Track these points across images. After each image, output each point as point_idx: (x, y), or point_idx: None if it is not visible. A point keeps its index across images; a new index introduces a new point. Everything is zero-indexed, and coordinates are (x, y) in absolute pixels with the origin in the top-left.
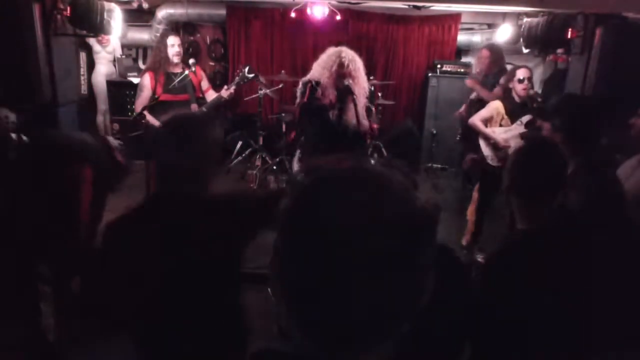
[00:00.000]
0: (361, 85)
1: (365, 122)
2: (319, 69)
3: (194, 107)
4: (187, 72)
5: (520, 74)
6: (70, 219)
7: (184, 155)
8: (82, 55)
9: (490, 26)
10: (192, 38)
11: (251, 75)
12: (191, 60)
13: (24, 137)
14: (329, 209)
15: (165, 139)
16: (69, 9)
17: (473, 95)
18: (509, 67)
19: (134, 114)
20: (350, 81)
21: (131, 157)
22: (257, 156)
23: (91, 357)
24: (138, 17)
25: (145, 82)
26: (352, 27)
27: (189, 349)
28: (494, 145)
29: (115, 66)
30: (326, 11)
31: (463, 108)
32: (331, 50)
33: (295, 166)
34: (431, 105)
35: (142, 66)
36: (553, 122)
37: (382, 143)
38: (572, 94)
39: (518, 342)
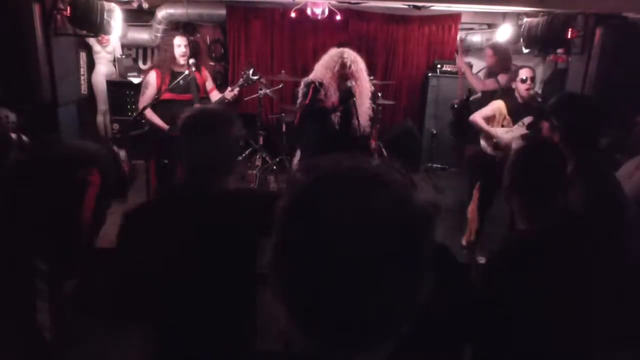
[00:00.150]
0: (364, 86)
1: (366, 125)
2: (322, 69)
3: (197, 107)
4: (188, 72)
5: (523, 73)
6: (72, 219)
7: (209, 149)
8: (82, 55)
9: (490, 26)
10: (192, 38)
11: (255, 77)
12: (191, 60)
13: (24, 137)
14: (327, 208)
15: (191, 133)
16: (69, 9)
17: (473, 97)
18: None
19: (134, 114)
20: (353, 82)
21: (133, 157)
22: (257, 156)
23: (89, 356)
24: (138, 17)
25: (151, 80)
26: (352, 27)
27: (202, 342)
28: (495, 145)
29: (115, 66)
30: (326, 11)
31: (457, 100)
32: (333, 51)
33: (295, 166)
34: (431, 105)
35: (142, 66)
36: (551, 122)
37: (382, 143)
38: (570, 93)
39: (518, 342)
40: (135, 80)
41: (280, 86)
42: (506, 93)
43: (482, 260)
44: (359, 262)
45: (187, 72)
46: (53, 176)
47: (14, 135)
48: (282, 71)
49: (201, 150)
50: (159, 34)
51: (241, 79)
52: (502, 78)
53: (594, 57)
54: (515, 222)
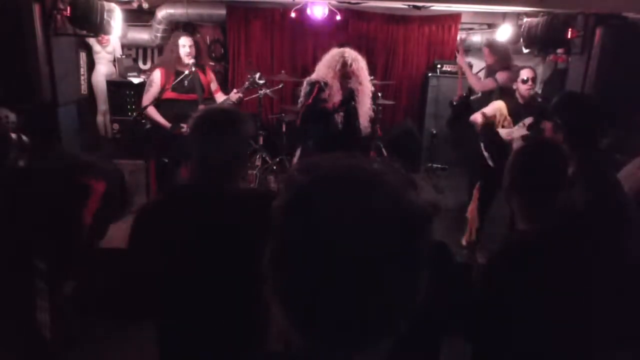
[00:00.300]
0: (365, 85)
1: (367, 125)
2: (324, 68)
3: (202, 108)
4: (187, 71)
5: (525, 74)
6: (73, 221)
7: (222, 148)
8: (82, 55)
9: (490, 26)
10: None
11: (262, 82)
12: (191, 61)
13: (24, 137)
14: (325, 208)
15: (204, 131)
16: (69, 9)
17: (474, 96)
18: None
19: (135, 113)
20: (354, 81)
21: (134, 156)
22: (257, 156)
23: (89, 356)
24: (138, 17)
25: (156, 79)
26: (352, 27)
27: (204, 342)
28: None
29: (115, 66)
30: (326, 11)
31: (457, 98)
32: (334, 51)
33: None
34: (431, 105)
35: (142, 66)
36: (555, 122)
37: (382, 143)
38: (573, 92)
39: (519, 342)
40: (135, 80)
41: (280, 86)
42: (507, 93)
43: (482, 260)
44: (357, 261)
45: (187, 71)
46: (59, 180)
47: (14, 135)
48: (282, 71)
49: (215, 149)
50: (159, 34)
51: (247, 82)
52: (501, 76)
53: (594, 57)
54: (516, 222)
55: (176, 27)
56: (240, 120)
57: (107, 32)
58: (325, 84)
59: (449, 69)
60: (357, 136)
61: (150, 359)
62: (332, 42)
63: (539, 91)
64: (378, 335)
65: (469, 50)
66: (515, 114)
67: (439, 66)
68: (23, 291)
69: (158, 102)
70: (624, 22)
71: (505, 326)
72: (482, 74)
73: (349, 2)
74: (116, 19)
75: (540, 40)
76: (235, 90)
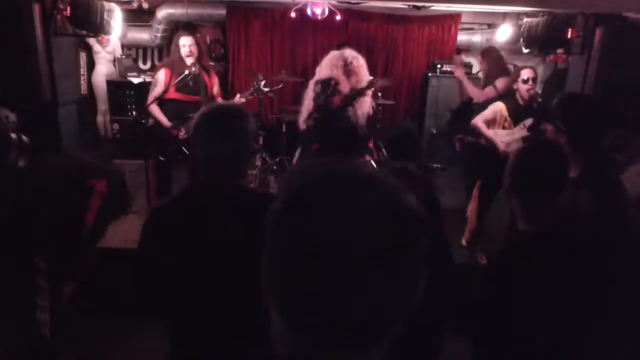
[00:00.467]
0: (364, 83)
1: (364, 124)
2: (326, 69)
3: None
4: (187, 71)
5: (525, 74)
6: (75, 221)
7: (228, 144)
8: (82, 55)
9: (490, 26)
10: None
11: (266, 90)
12: (191, 61)
13: (24, 137)
14: (318, 211)
15: (210, 128)
16: (69, 9)
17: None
18: (510, 67)
19: (134, 113)
20: (355, 81)
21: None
22: (257, 156)
23: (90, 356)
24: (138, 17)
25: (160, 78)
26: (352, 27)
27: (214, 339)
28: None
29: (115, 66)
30: (326, 11)
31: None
32: (334, 52)
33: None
34: (431, 105)
35: (142, 66)
36: (556, 124)
37: (382, 143)
38: (572, 94)
39: (520, 342)
40: (135, 80)
41: (280, 86)
42: (506, 94)
43: (482, 260)
44: (352, 264)
45: (187, 71)
46: (61, 181)
47: (14, 135)
48: (282, 71)
49: (222, 146)
50: (159, 34)
51: (252, 88)
52: (500, 83)
53: (594, 57)
54: (517, 223)
55: (176, 27)
56: (244, 116)
57: (107, 32)
58: (337, 81)
59: (449, 69)
60: (356, 135)
61: (152, 358)
62: (332, 42)
63: (539, 91)
64: (374, 337)
65: (469, 50)
66: (516, 115)
67: (439, 66)
68: (23, 290)
69: (161, 102)
70: (624, 22)
71: (505, 326)
72: (481, 75)
73: (349, 2)
74: (116, 19)
75: (540, 40)
76: (238, 95)
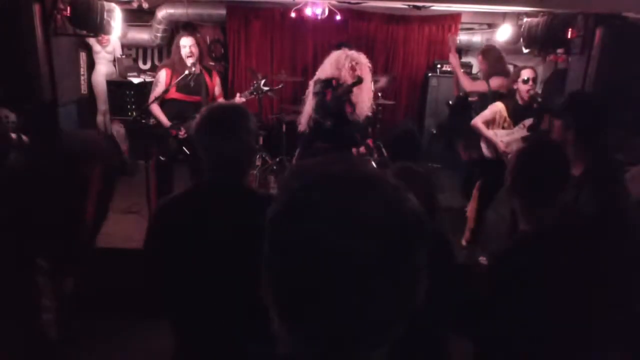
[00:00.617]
0: (366, 81)
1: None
2: (331, 69)
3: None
4: (187, 71)
5: (525, 74)
6: (75, 217)
7: (232, 143)
8: (82, 55)
9: (490, 26)
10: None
11: (266, 89)
12: (192, 61)
13: (24, 137)
14: (318, 212)
15: (214, 128)
16: (69, 9)
17: (472, 98)
18: (510, 67)
19: (134, 114)
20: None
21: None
22: (257, 156)
23: (91, 356)
24: (138, 17)
25: (161, 79)
26: (352, 27)
27: (223, 336)
28: (495, 147)
29: (115, 66)
30: (326, 11)
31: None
32: (336, 52)
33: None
34: (431, 105)
35: (142, 66)
36: (565, 120)
37: (382, 143)
38: (583, 92)
39: (520, 342)
40: (135, 80)
41: (280, 86)
42: (506, 95)
43: (482, 260)
44: (350, 267)
45: (187, 71)
46: (59, 179)
47: (13, 135)
48: (282, 71)
49: (226, 144)
50: (159, 34)
51: (252, 87)
52: (494, 81)
53: (594, 57)
54: (518, 223)
55: (176, 27)
56: (248, 116)
57: (107, 32)
58: (338, 81)
59: (449, 69)
60: (355, 133)
61: (151, 358)
62: (332, 42)
63: (539, 91)
64: (375, 338)
65: (469, 50)
66: (515, 115)
67: (439, 66)
68: (28, 292)
69: (162, 102)
70: (624, 22)
71: (505, 326)
72: (480, 75)
73: (349, 2)
74: (116, 19)
75: (540, 40)
76: (238, 95)
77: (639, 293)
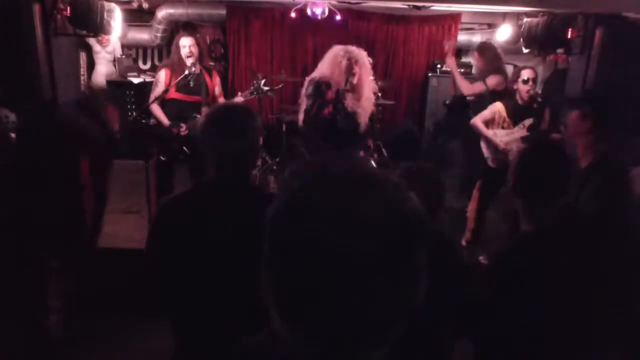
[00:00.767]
0: (365, 81)
1: (365, 123)
2: (328, 66)
3: (205, 110)
4: (187, 71)
5: (525, 74)
6: (74, 211)
7: (237, 141)
8: (82, 55)
9: (490, 26)
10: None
11: (266, 89)
12: (191, 61)
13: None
14: (319, 212)
15: (222, 127)
16: (69, 9)
17: (469, 98)
18: (508, 67)
19: (134, 114)
20: (355, 80)
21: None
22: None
23: (91, 356)
24: (138, 17)
25: (161, 79)
26: (352, 27)
27: (224, 335)
28: (495, 147)
29: (115, 66)
30: (326, 11)
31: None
32: (337, 47)
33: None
34: (431, 105)
35: (142, 66)
36: (582, 110)
37: (382, 143)
38: (603, 87)
39: (520, 342)
40: (135, 80)
41: (280, 86)
42: (505, 95)
43: (482, 260)
44: (350, 266)
45: (187, 72)
46: (45, 170)
47: (13, 135)
48: (282, 71)
49: (232, 143)
50: (159, 34)
51: (252, 87)
52: (490, 80)
53: (594, 57)
54: (520, 223)
55: (176, 27)
56: (253, 115)
57: (107, 32)
58: (329, 84)
59: (448, 69)
60: (354, 134)
61: (151, 358)
62: (332, 42)
63: (539, 91)
64: (375, 339)
65: (469, 50)
66: (515, 115)
67: (439, 66)
68: (37, 293)
69: (162, 102)
70: (624, 22)
71: (506, 326)
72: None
73: (349, 2)
74: (116, 19)
75: (540, 40)
76: (239, 93)
77: (639, 293)
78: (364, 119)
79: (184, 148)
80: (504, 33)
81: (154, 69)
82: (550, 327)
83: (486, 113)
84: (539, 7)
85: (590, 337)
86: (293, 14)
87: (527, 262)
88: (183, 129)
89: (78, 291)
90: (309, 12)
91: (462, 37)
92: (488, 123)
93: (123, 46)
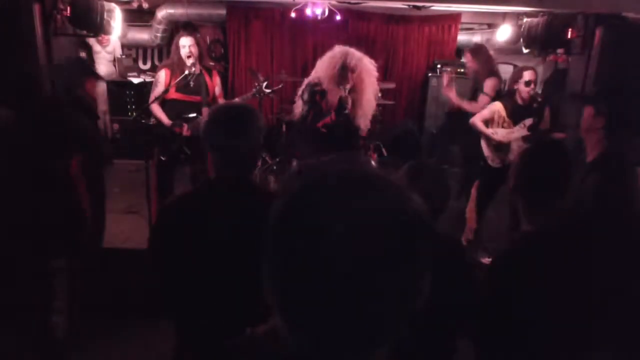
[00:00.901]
0: (366, 86)
1: (367, 125)
2: (323, 68)
3: (206, 110)
4: (187, 71)
5: (527, 76)
6: (72, 211)
7: (241, 141)
8: (82, 55)
9: (490, 26)
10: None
11: (268, 91)
12: (191, 61)
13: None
14: (320, 213)
15: (229, 126)
16: (69, 9)
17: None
18: (506, 67)
19: (134, 114)
20: (349, 86)
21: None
22: None
23: (92, 356)
24: (138, 17)
25: (161, 79)
26: (352, 27)
27: (222, 331)
28: (495, 146)
29: (115, 66)
30: (326, 11)
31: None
32: (337, 49)
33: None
34: (431, 105)
35: (142, 66)
36: (597, 106)
37: (382, 143)
38: (617, 85)
39: (523, 343)
40: (135, 80)
41: (280, 86)
42: (503, 95)
43: (483, 259)
44: (353, 266)
45: (187, 72)
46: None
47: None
48: (282, 71)
49: (240, 142)
50: (159, 34)
51: (254, 89)
52: (489, 87)
53: (594, 57)
54: (520, 223)
55: (176, 27)
56: (257, 114)
57: (107, 32)
58: (323, 93)
59: (449, 69)
60: (352, 138)
61: (151, 358)
62: (332, 42)
63: (539, 91)
64: (377, 338)
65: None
66: (514, 115)
67: (439, 66)
68: (40, 295)
69: (163, 102)
70: (624, 22)
71: (506, 326)
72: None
73: (349, 2)
74: (116, 19)
75: (540, 40)
76: (244, 96)
77: (639, 293)
78: (364, 121)
79: (185, 148)
80: (504, 33)
81: (154, 69)
82: (550, 327)
83: (485, 112)
84: (539, 7)
85: (590, 337)
86: (293, 14)
87: (527, 262)
88: (185, 129)
89: (79, 291)
90: (309, 12)
91: (462, 37)
92: (487, 122)
93: (123, 46)
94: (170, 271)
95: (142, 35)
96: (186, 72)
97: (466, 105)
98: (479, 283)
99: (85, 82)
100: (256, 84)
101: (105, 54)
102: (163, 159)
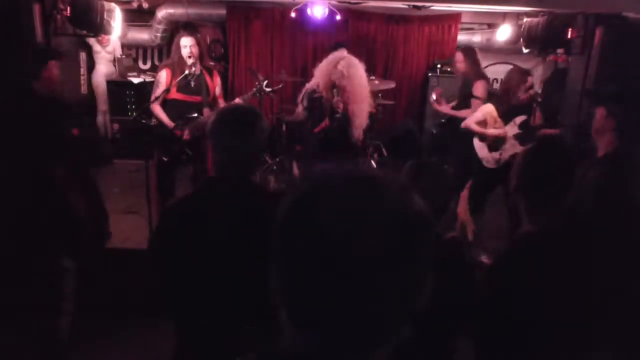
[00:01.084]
0: (357, 94)
1: (360, 134)
2: (319, 74)
3: (207, 110)
4: (187, 71)
5: (531, 80)
6: (64, 212)
7: (247, 142)
8: (82, 55)
9: (490, 26)
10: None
11: (268, 90)
12: (192, 61)
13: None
14: (324, 214)
15: (235, 126)
16: (69, 9)
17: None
18: (504, 67)
19: (134, 114)
20: (342, 94)
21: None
22: None
23: (91, 356)
24: (138, 17)
25: (161, 79)
26: (352, 27)
27: (228, 335)
28: (489, 147)
29: (115, 66)
30: (326, 11)
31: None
32: (332, 57)
33: (295, 168)
34: (431, 105)
35: (142, 66)
36: (608, 108)
37: (382, 143)
38: (630, 85)
39: (523, 343)
40: (135, 80)
41: (280, 86)
42: (497, 96)
43: (484, 259)
44: (357, 266)
45: (187, 71)
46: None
47: None
48: (282, 71)
49: (242, 141)
50: (159, 34)
51: (254, 89)
52: (480, 91)
53: (594, 57)
54: (521, 223)
55: (176, 27)
56: (261, 115)
57: (107, 32)
58: (321, 98)
59: (449, 69)
60: (350, 142)
61: (151, 358)
62: (332, 42)
63: (539, 91)
64: (380, 338)
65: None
66: (507, 115)
67: (439, 66)
68: (48, 298)
69: (163, 102)
70: (624, 22)
71: (506, 326)
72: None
73: (349, 2)
74: (116, 19)
75: (540, 40)
76: (243, 96)
77: (639, 293)
78: (359, 121)
79: (187, 149)
80: (504, 33)
81: (154, 69)
82: (550, 327)
83: (478, 115)
84: (539, 7)
85: (590, 337)
86: (293, 14)
87: (528, 262)
88: (186, 134)
89: (79, 291)
90: (309, 12)
91: (462, 37)
92: (479, 124)
93: (123, 46)
94: (171, 271)
95: (142, 35)
96: (187, 72)
97: (463, 113)
98: (479, 283)
99: (42, 71)
100: (256, 84)
101: (105, 54)
102: (165, 159)
